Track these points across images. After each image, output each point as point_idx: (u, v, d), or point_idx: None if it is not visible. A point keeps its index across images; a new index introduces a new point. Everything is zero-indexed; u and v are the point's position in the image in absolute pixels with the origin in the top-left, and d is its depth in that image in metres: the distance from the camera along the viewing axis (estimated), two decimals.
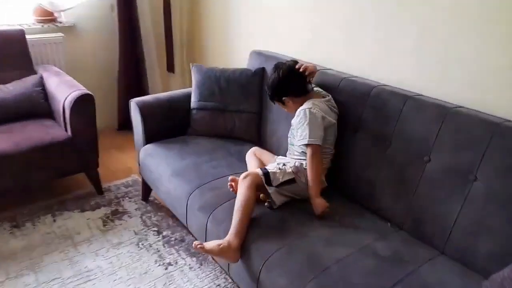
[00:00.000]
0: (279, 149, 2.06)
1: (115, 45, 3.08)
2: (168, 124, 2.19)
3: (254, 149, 1.90)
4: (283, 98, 1.73)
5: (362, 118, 1.68)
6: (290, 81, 1.71)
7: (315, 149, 1.58)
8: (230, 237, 1.42)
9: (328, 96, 1.75)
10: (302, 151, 1.66)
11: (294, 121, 1.70)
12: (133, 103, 2.12)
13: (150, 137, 2.13)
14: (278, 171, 1.61)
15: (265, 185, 1.55)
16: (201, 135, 2.18)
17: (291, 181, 1.59)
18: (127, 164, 2.83)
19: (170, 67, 3.32)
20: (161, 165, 1.94)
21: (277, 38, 2.43)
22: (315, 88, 1.77)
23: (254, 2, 2.55)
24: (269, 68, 2.15)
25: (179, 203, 1.76)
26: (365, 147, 1.67)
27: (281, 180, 1.58)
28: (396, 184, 1.56)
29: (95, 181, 2.42)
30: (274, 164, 1.70)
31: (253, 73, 2.16)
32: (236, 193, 1.56)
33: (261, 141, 2.18)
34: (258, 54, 2.27)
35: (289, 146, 1.80)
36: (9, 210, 2.25)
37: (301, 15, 2.24)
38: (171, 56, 3.27)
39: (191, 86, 2.26)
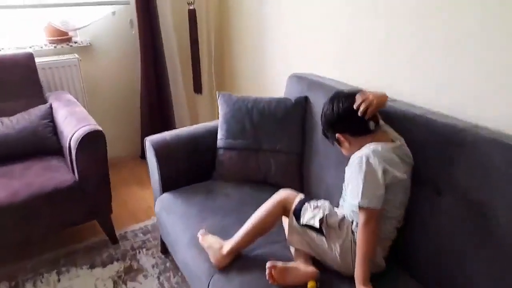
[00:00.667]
0: (329, 195, 1.61)
1: (136, 65, 2.75)
2: (190, 166, 1.80)
3: (284, 192, 1.41)
4: (337, 135, 1.31)
5: (450, 175, 1.21)
6: (346, 116, 1.28)
7: (370, 214, 1.15)
8: (228, 241, 1.33)
9: (400, 139, 1.28)
10: (353, 210, 1.22)
11: (347, 169, 1.26)
12: (148, 143, 1.75)
13: (167, 185, 1.75)
14: (311, 209, 1.27)
15: (291, 213, 1.29)
16: (228, 180, 1.77)
17: (316, 230, 1.24)
18: (148, 202, 2.47)
19: (198, 88, 2.96)
20: (178, 227, 1.54)
21: (323, 60, 1.99)
22: (383, 126, 1.32)
23: (295, 13, 2.12)
24: (313, 96, 1.72)
25: (198, 283, 1.36)
26: (453, 217, 1.20)
27: (304, 221, 1.25)
28: (504, 276, 1.08)
29: (109, 229, 2.07)
30: (318, 201, 1.32)
31: (293, 103, 1.73)
32: (276, 284, 1.15)
33: (304, 191, 1.74)
34: (299, 78, 1.84)
35: (341, 199, 1.36)
36: (9, 266, 1.94)
37: (357, 30, 1.78)
38: (198, 75, 2.91)
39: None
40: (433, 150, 1.26)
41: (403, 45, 1.57)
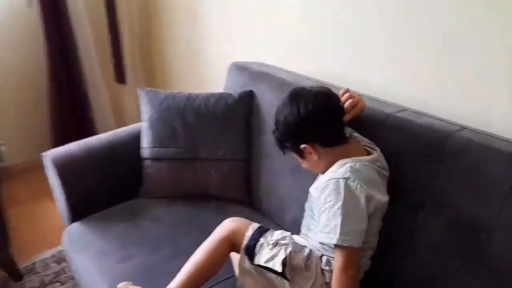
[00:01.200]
0: (281, 216, 1.34)
1: (39, 52, 2.24)
2: (109, 184, 1.42)
3: (230, 224, 1.12)
4: (302, 146, 1.00)
5: (434, 189, 0.98)
6: (320, 122, 0.98)
7: (350, 256, 0.88)
8: None
9: (376, 151, 1.02)
10: (321, 243, 0.96)
11: (314, 192, 0.98)
12: (48, 159, 1.33)
13: (77, 212, 1.35)
14: (268, 247, 0.97)
15: (242, 251, 0.99)
16: (159, 197, 1.42)
17: (275, 273, 0.94)
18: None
19: (120, 78, 2.51)
20: (92, 270, 1.17)
21: (272, 49, 1.68)
22: (354, 135, 1.05)
23: None
24: (259, 90, 1.41)
25: None
26: (439, 238, 0.98)
27: (261, 262, 0.95)
28: None
29: (9, 265, 1.63)
30: (276, 234, 1.01)
31: (236, 99, 1.41)
32: None
33: (253, 203, 1.45)
34: (241, 69, 1.52)
35: (303, 226, 1.09)
36: None
37: (314, 13, 1.49)
38: (119, 63, 2.46)
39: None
40: (411, 157, 1.02)
41: (370, 32, 1.31)
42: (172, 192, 1.43)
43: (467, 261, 0.93)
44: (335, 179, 0.91)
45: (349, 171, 0.91)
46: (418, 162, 1.01)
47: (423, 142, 1.01)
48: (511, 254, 0.86)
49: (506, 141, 0.94)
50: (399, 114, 1.09)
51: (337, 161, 0.97)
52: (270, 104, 1.36)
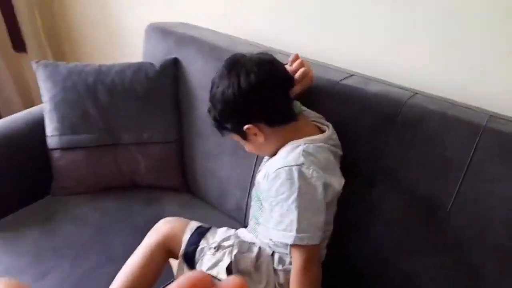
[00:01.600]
0: (223, 203, 1.20)
1: None
2: (11, 183, 1.17)
3: (164, 227, 0.97)
4: (246, 127, 0.83)
5: (388, 162, 0.89)
6: (266, 97, 0.81)
7: (311, 253, 0.76)
8: None
9: (328, 127, 0.89)
10: (277, 244, 0.84)
11: (263, 181, 0.84)
12: None
13: None
14: (210, 251, 0.84)
15: (180, 259, 0.87)
16: (78, 194, 1.20)
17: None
18: None
19: (18, 45, 2.10)
20: None
21: (199, 6, 1.44)
22: (303, 111, 0.90)
23: None
24: (186, 57, 1.21)
25: None
26: (396, 216, 0.90)
27: (204, 268, 0.82)
28: (462, 280, 0.84)
29: None
30: (219, 234, 0.88)
31: (158, 70, 1.19)
32: None
33: (191, 189, 1.29)
34: (163, 32, 1.27)
35: (250, 218, 0.95)
36: None
37: None
38: (14, 27, 2.05)
39: None
40: (361, 130, 0.91)
41: None
42: (93, 186, 1.21)
43: (426, 238, 0.87)
44: (287, 167, 0.77)
45: (302, 155, 0.77)
46: (369, 135, 0.91)
47: (374, 113, 0.90)
48: (472, 230, 0.81)
49: (465, 107, 0.85)
50: (346, 81, 0.96)
51: (286, 142, 0.83)
52: (201, 73, 1.16)
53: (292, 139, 0.83)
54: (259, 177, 0.87)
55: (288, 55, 0.95)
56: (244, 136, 0.86)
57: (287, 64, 0.89)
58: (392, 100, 0.89)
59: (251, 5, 1.28)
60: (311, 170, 0.76)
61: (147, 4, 1.59)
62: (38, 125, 1.19)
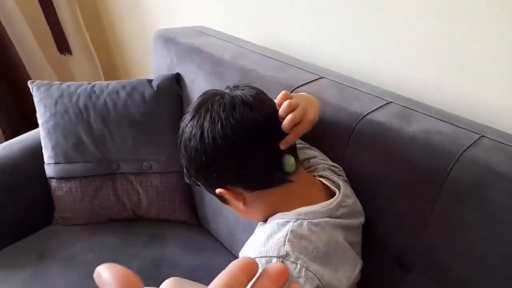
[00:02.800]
0: (232, 243, 1.01)
1: None
2: (10, 213, 1.10)
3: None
4: (218, 191, 0.62)
5: (431, 238, 0.61)
6: (237, 156, 0.58)
7: None
8: None
9: (339, 185, 0.64)
10: None
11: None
12: None
13: None
14: None
15: None
16: (76, 225, 1.10)
17: None
18: None
19: (63, 46, 2.09)
20: None
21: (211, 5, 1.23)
22: (302, 150, 0.69)
23: None
24: (187, 72, 1.01)
25: None
26: None
27: None
28: None
29: None
30: None
31: (155, 91, 1.01)
32: None
33: (200, 223, 1.11)
34: (167, 41, 1.08)
35: None
36: None
37: None
38: (57, 28, 2.03)
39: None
40: (394, 187, 0.64)
41: None
42: (93, 218, 1.10)
43: None
44: (264, 259, 0.54)
45: (289, 242, 0.54)
46: (405, 196, 0.63)
47: (414, 165, 0.62)
48: None
49: None
50: (378, 113, 0.69)
51: (277, 210, 0.61)
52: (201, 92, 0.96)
53: (282, 208, 0.60)
54: (240, 253, 0.65)
55: (310, 70, 0.71)
56: (220, 199, 0.64)
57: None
58: (443, 149, 0.60)
59: (275, 8, 1.03)
60: (298, 267, 0.52)
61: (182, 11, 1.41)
62: (39, 150, 1.10)
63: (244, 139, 0.57)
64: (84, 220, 1.10)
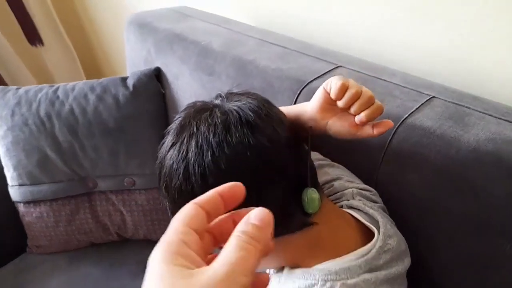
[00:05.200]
0: None
1: None
2: None
3: None
4: None
5: None
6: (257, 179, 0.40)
7: None
8: None
9: (378, 209, 0.48)
10: None
11: None
12: None
13: None
14: None
15: None
16: (53, 253, 0.94)
17: None
18: None
19: (32, 36, 1.88)
20: None
21: None
22: (322, 170, 0.53)
23: None
24: (169, 66, 0.83)
25: None
26: None
27: None
28: None
29: None
30: None
31: (131, 92, 0.82)
32: None
33: None
34: (140, 28, 0.88)
35: None
36: None
37: None
38: (24, 15, 1.81)
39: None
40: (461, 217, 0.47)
41: None
42: (72, 245, 0.93)
43: None
44: None
45: None
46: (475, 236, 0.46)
47: (481, 185, 0.45)
48: None
49: None
50: (421, 115, 0.51)
51: (294, 262, 0.44)
52: (188, 91, 0.78)
53: (303, 260, 0.44)
54: None
55: (323, 57, 0.53)
56: None
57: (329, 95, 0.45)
58: None
59: None
60: None
61: None
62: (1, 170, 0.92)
63: (246, 174, 0.40)
64: (62, 248, 0.93)
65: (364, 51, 0.72)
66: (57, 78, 2.00)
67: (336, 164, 0.56)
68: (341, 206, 0.50)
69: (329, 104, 0.45)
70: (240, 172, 0.40)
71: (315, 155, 0.56)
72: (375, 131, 0.43)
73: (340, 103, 0.43)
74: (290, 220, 0.43)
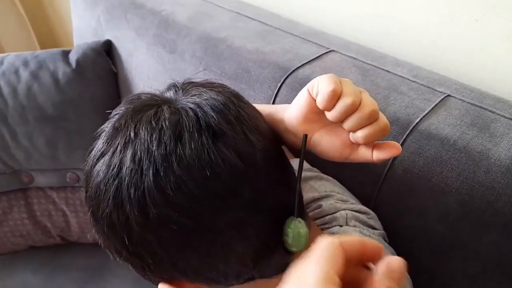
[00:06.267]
0: None
1: None
2: None
3: None
4: (160, 286, 0.32)
5: None
6: (200, 230, 0.28)
7: None
8: None
9: (378, 237, 0.34)
10: None
11: None
12: None
13: None
14: None
15: None
16: None
17: None
18: None
19: None
20: None
21: None
22: (308, 183, 0.40)
23: None
24: (120, 39, 0.67)
25: None
26: None
27: None
28: None
29: None
30: None
31: (75, 67, 0.67)
32: None
33: None
34: None
35: None
36: None
37: None
38: None
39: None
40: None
41: None
42: (6, 247, 0.79)
43: None
44: None
45: None
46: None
47: None
48: None
49: None
50: (437, 115, 0.40)
51: None
52: (144, 68, 0.64)
53: None
54: None
55: (311, 38, 0.41)
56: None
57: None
58: None
59: None
60: None
61: None
62: None
63: (204, 206, 0.28)
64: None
65: (360, 36, 0.60)
66: (8, 50, 1.78)
67: (324, 176, 0.44)
68: (332, 233, 0.39)
69: (316, 114, 0.32)
70: (196, 203, 0.27)
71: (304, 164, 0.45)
72: (375, 156, 0.31)
73: (329, 115, 0.31)
74: (267, 262, 0.31)
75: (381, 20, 0.57)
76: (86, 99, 0.68)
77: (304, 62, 0.49)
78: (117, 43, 0.67)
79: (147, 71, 0.63)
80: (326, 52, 0.51)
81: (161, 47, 0.60)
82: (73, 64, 0.66)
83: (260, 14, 0.61)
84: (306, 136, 0.31)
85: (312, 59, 0.50)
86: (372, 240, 0.22)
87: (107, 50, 0.68)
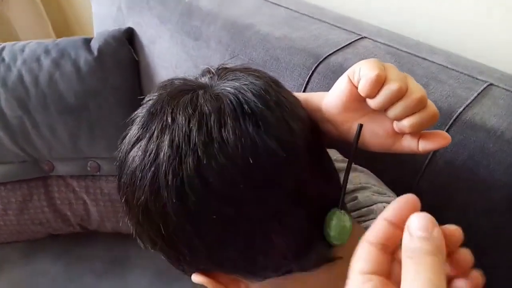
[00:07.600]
0: None
1: None
2: None
3: None
4: (193, 277, 0.31)
5: None
6: (230, 217, 0.27)
7: None
8: None
9: None
10: None
11: None
12: None
13: None
14: None
15: None
16: (5, 243, 0.80)
17: None
18: None
19: None
20: None
21: None
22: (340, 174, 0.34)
23: None
24: (142, 27, 0.66)
25: None
26: None
27: None
28: None
29: None
30: None
31: (97, 56, 0.66)
32: None
33: None
34: None
35: None
36: None
37: None
38: None
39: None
40: None
41: None
42: (25, 235, 0.79)
43: None
44: None
45: None
46: None
47: None
48: None
49: None
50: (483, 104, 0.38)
51: None
52: (168, 56, 0.63)
53: None
54: None
55: (342, 25, 0.39)
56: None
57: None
58: None
59: None
60: None
61: None
62: None
63: (246, 194, 0.26)
64: (13, 238, 0.79)
65: (390, 22, 0.57)
66: (23, 37, 1.79)
67: (359, 167, 0.43)
68: (367, 228, 0.37)
69: (357, 102, 0.31)
70: (238, 191, 0.26)
71: (333, 154, 0.43)
72: (421, 147, 0.29)
73: (372, 103, 0.29)
74: (306, 255, 0.30)
75: (412, 5, 0.55)
76: (107, 88, 0.67)
77: (335, 49, 0.47)
78: (139, 30, 0.66)
79: (170, 59, 0.62)
80: (358, 39, 0.49)
81: (185, 34, 0.59)
82: (95, 52, 0.65)
83: (285, 1, 0.59)
84: (361, 126, 0.29)
85: (344, 46, 0.48)
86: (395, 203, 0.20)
87: (129, 38, 0.67)
